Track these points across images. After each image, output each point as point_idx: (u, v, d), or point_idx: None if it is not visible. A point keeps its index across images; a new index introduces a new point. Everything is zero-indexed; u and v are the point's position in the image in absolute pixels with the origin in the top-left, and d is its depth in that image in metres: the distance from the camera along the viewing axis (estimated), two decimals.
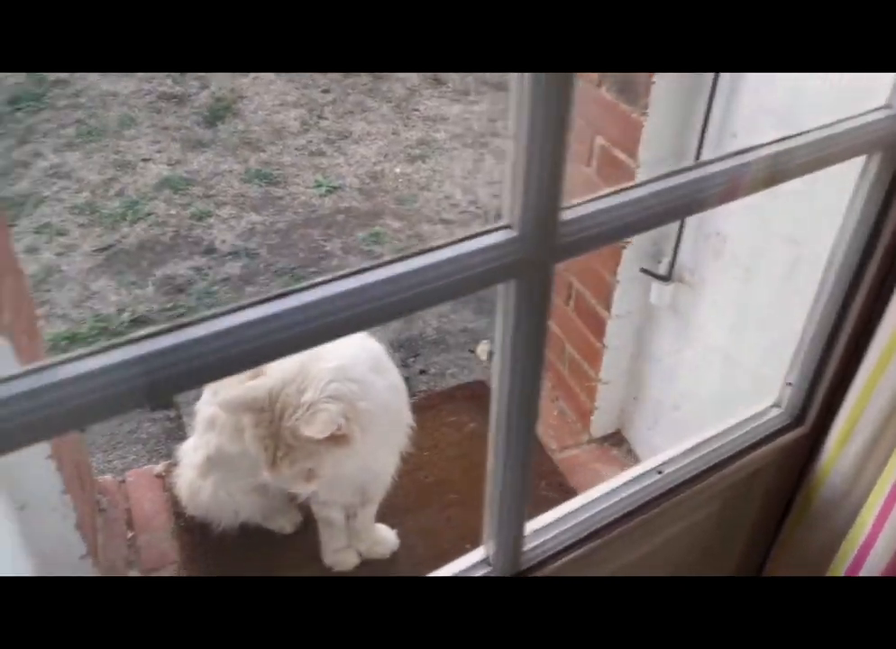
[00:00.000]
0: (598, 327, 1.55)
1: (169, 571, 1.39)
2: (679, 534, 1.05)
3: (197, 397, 1.39)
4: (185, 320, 0.51)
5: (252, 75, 4.25)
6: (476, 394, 1.83)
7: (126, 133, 3.63)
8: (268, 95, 4.17)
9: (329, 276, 0.56)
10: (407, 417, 1.31)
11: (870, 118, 0.75)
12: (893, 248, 0.87)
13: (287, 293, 0.54)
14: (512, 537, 0.83)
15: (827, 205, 1.03)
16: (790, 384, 1.03)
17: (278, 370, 1.11)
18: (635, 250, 1.41)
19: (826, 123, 0.72)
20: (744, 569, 1.20)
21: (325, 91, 4.28)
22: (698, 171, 0.66)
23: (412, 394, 2.09)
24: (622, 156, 1.33)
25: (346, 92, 4.30)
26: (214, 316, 0.51)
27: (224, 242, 3.07)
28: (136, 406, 0.52)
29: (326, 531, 1.38)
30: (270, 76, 4.26)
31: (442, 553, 1.41)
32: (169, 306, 2.68)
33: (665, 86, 1.22)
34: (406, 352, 2.66)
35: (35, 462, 1.16)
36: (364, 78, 4.39)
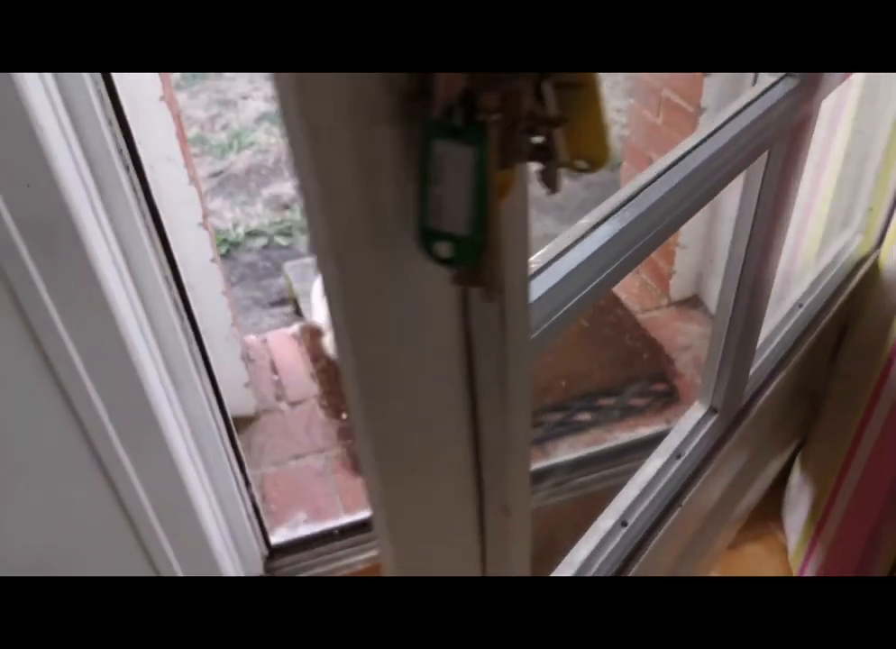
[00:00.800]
0: None
1: (311, 404, 1.66)
2: None
3: None
4: None
5: None
6: None
7: (225, 75, 3.90)
8: None
9: None
10: None
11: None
12: None
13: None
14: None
15: None
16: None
17: None
18: (709, 116, 1.57)
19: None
20: None
21: None
22: None
23: None
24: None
25: None
26: None
27: None
28: None
29: None
30: None
31: (541, 391, 1.64)
32: (277, 220, 2.96)
33: None
34: None
35: (213, 296, 1.43)
36: None
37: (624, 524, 1.04)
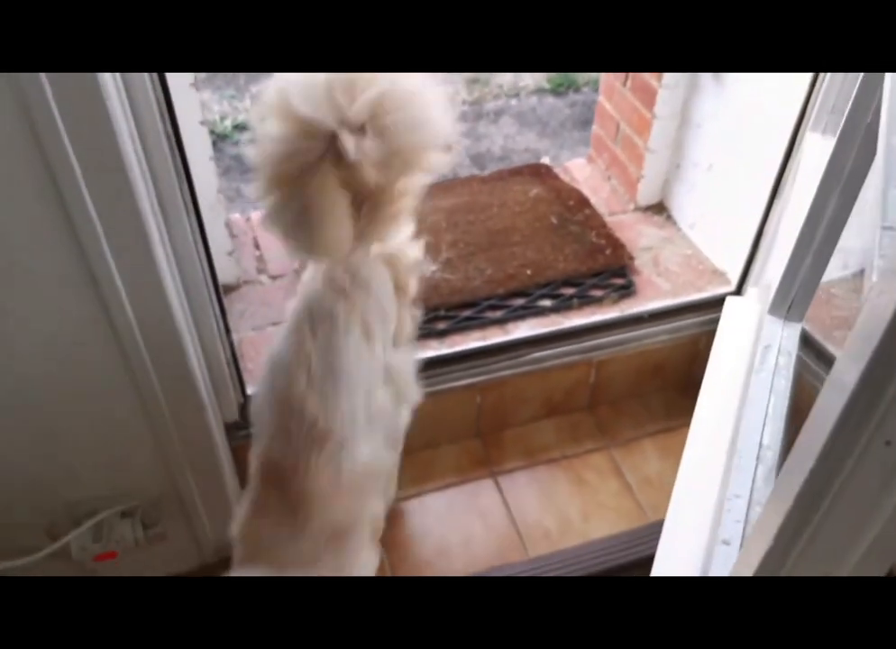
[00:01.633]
0: (651, 99, 1.80)
1: (290, 278, 1.76)
2: None
3: None
4: None
5: None
6: (539, 171, 2.12)
7: None
8: None
9: None
10: None
11: None
12: None
13: None
14: None
15: None
16: None
17: None
18: None
19: None
20: None
21: None
22: None
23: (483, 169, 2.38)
24: None
25: None
26: None
27: None
28: None
29: None
30: None
31: (507, 277, 1.76)
32: None
33: None
34: (475, 166, 2.94)
35: (201, 161, 1.51)
36: None
37: None
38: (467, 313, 1.68)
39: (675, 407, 1.70)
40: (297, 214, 0.94)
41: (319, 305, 1.02)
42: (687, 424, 1.69)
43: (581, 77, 3.43)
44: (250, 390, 1.48)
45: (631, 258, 1.82)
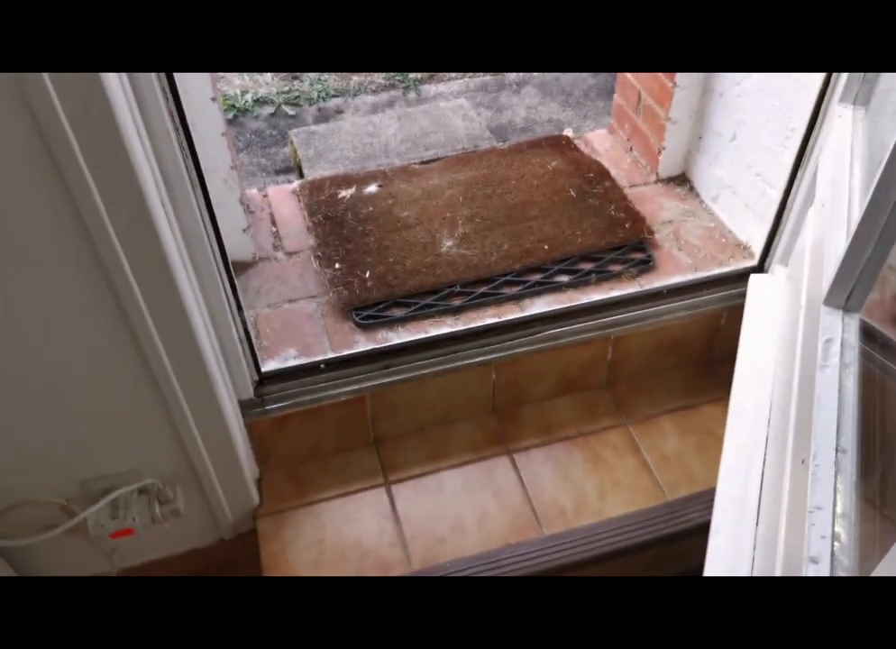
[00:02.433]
0: None
1: (305, 255, 1.75)
2: None
3: None
4: None
5: None
6: (558, 143, 2.08)
7: None
8: None
9: None
10: None
11: None
12: None
13: None
14: None
15: None
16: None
17: None
18: None
19: None
20: None
21: None
22: None
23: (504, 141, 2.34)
24: None
25: None
26: None
27: None
28: None
29: None
30: None
31: (524, 252, 1.73)
32: (285, 89, 2.97)
33: None
34: (496, 138, 2.89)
35: (212, 136, 1.50)
36: None
37: None
38: (483, 289, 1.66)
39: (694, 385, 1.67)
40: None
41: None
42: (706, 401, 1.67)
43: None
44: (265, 367, 1.49)
45: (651, 232, 1.79)
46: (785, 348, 1.41)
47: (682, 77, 1.74)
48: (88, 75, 0.83)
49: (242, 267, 1.71)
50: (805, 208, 1.47)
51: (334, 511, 1.49)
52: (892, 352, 1.35)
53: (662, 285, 1.65)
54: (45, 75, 0.81)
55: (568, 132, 2.94)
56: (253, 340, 1.44)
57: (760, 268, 1.64)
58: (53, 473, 1.18)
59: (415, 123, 2.61)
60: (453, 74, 3.13)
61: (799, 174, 1.46)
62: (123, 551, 1.37)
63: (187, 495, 1.32)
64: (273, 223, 1.85)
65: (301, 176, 2.51)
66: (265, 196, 1.93)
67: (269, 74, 3.01)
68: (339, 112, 2.89)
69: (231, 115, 2.79)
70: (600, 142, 2.12)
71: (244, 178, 2.47)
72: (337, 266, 1.70)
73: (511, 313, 1.62)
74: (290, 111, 2.85)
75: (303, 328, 1.60)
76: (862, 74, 1.27)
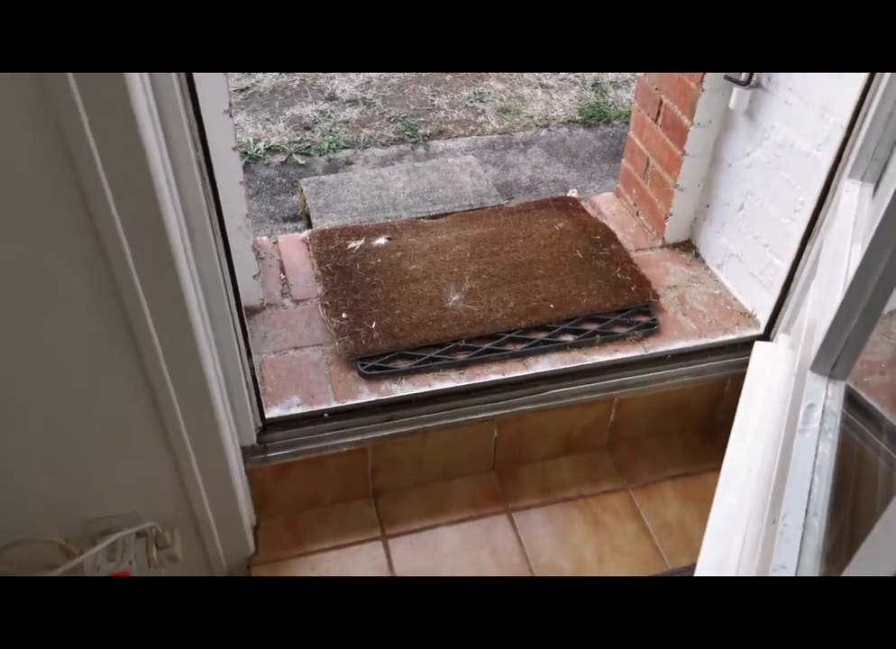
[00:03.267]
0: (682, 136, 1.79)
1: (313, 303, 1.76)
2: None
3: None
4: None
5: None
6: (566, 204, 2.12)
7: None
8: None
9: None
10: None
11: None
12: None
13: None
14: None
15: None
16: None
17: None
18: None
19: None
20: None
21: None
22: None
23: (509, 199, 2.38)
24: None
25: None
26: None
27: (344, 91, 3.37)
28: None
29: None
30: None
31: (530, 310, 1.75)
32: (297, 139, 3.02)
33: None
34: (502, 195, 2.95)
35: (231, 185, 1.52)
36: None
37: None
38: (487, 345, 1.67)
39: (697, 451, 1.67)
40: None
41: None
42: (709, 469, 1.66)
43: (613, 109, 3.44)
44: (268, 414, 1.48)
45: (657, 296, 1.81)
46: (774, 412, 1.42)
47: (692, 146, 1.78)
48: (127, 122, 0.85)
49: (250, 312, 1.71)
50: (810, 280, 1.50)
51: (330, 563, 1.47)
52: (874, 421, 1.37)
53: (666, 349, 1.66)
54: (86, 126, 0.83)
55: (573, 193, 3.00)
56: (258, 381, 1.44)
57: (766, 336, 1.66)
58: (56, 512, 1.16)
59: (423, 178, 2.65)
60: (461, 131, 3.20)
61: (807, 247, 1.49)
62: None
63: (184, 540, 1.30)
64: (282, 270, 1.86)
65: (309, 224, 2.54)
66: (275, 243, 1.95)
67: (282, 124, 3.08)
68: (348, 163, 2.94)
69: (242, 162, 2.83)
70: (607, 205, 2.16)
71: (253, 224, 2.50)
72: (344, 315, 1.71)
73: (515, 370, 1.62)
74: (301, 160, 2.90)
75: (307, 376, 1.60)
76: (871, 151, 1.31)
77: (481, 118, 3.26)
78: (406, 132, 3.12)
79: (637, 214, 2.09)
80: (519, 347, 1.67)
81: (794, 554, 1.02)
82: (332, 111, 3.21)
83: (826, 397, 1.28)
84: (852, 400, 1.40)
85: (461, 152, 3.08)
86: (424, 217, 2.12)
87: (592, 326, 1.73)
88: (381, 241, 1.94)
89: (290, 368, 1.62)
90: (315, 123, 3.11)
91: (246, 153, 2.89)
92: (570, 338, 1.70)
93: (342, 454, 1.49)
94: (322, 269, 1.84)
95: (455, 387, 1.56)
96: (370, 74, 3.45)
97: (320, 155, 2.93)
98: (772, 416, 1.45)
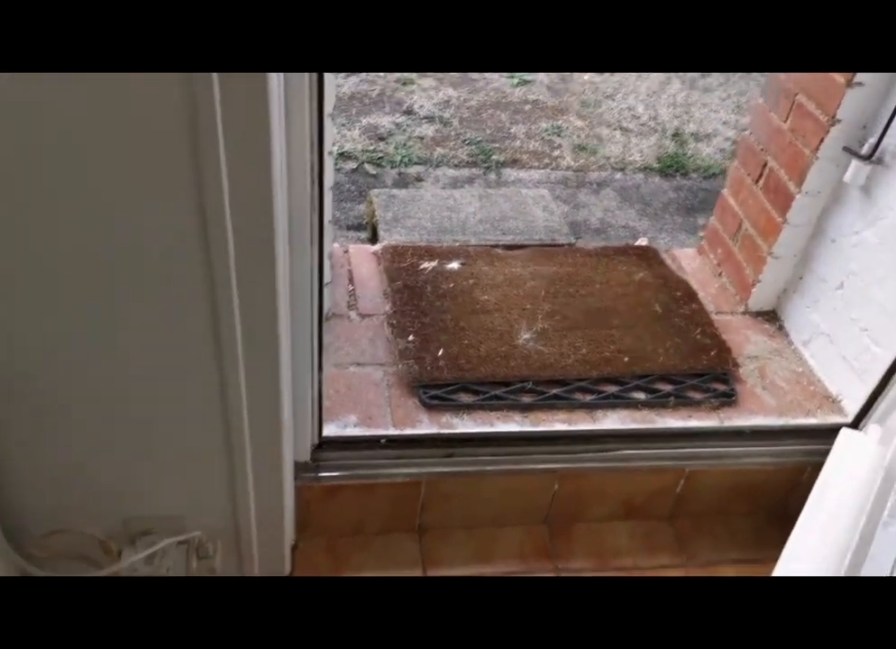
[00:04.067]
0: (785, 203, 1.71)
1: (379, 320, 1.69)
2: None
3: None
4: None
5: None
6: (646, 254, 2.04)
7: None
8: None
9: None
10: None
11: None
12: None
13: None
14: None
15: None
16: None
17: None
18: (841, 129, 1.56)
19: None
20: None
21: None
22: None
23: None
24: None
25: None
26: None
27: (422, 107, 3.34)
28: None
29: None
30: None
31: (603, 360, 1.66)
32: (370, 148, 2.98)
33: None
34: (571, 234, 2.88)
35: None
36: None
37: None
38: (555, 390, 1.59)
39: (764, 537, 1.56)
40: None
41: None
42: (774, 558, 1.56)
43: (691, 161, 3.37)
44: (325, 431, 1.40)
45: (736, 364, 1.71)
46: (853, 503, 1.33)
47: (795, 215, 1.70)
48: (260, 119, 0.80)
49: None
50: None
51: None
52: None
53: (744, 423, 1.57)
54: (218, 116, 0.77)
55: (642, 242, 2.92)
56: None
57: (855, 425, 1.56)
58: (100, 503, 1.11)
59: (495, 206, 2.59)
60: (535, 163, 3.15)
61: None
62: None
63: (225, 553, 1.23)
64: (350, 281, 1.80)
65: (374, 235, 2.48)
66: (346, 252, 1.89)
67: (357, 131, 3.04)
68: (419, 179, 2.89)
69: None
70: (688, 261, 2.08)
71: None
72: (411, 338, 1.64)
73: (582, 421, 1.53)
74: (372, 170, 2.86)
75: (367, 395, 1.53)
76: None
77: (557, 152, 3.21)
78: (480, 157, 3.07)
79: (720, 274, 2.00)
80: (588, 397, 1.59)
81: None
82: (408, 125, 3.17)
83: None
84: None
85: (532, 184, 3.02)
86: (498, 246, 2.05)
87: (667, 387, 1.64)
88: (455, 265, 1.87)
89: (350, 384, 1.54)
90: (391, 134, 3.07)
91: None
92: (642, 396, 1.61)
93: (395, 485, 1.42)
94: (392, 286, 1.77)
95: (520, 431, 1.48)
96: (450, 93, 3.42)
97: (392, 167, 2.88)
98: (850, 507, 1.36)
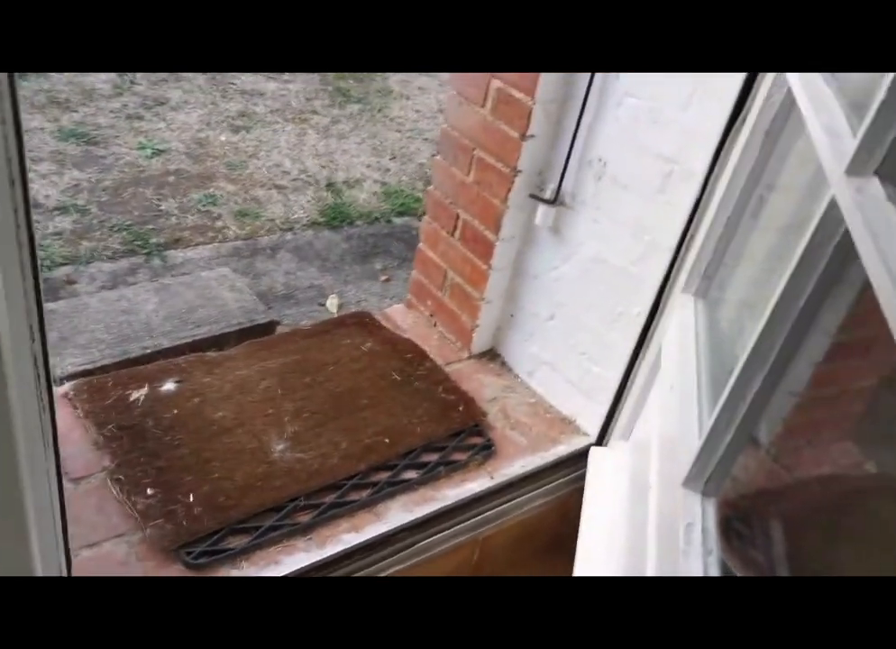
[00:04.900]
0: (486, 251, 1.78)
1: (99, 479, 1.39)
2: None
3: None
4: None
5: None
6: (362, 321, 1.98)
7: None
8: None
9: None
10: None
11: None
12: None
13: None
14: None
15: (697, 127, 1.35)
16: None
17: None
18: (523, 179, 1.66)
19: None
20: None
21: None
22: None
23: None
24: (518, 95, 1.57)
25: None
26: None
27: (48, 196, 2.90)
28: None
29: None
30: None
31: (366, 448, 1.57)
32: None
33: None
34: (260, 304, 2.72)
35: None
36: None
37: None
38: (330, 498, 1.46)
39: (560, 572, 1.61)
40: None
41: None
42: None
43: (353, 209, 3.42)
44: None
45: (483, 413, 1.74)
46: (633, 527, 1.42)
47: (497, 260, 1.78)
48: None
49: None
50: (647, 388, 1.55)
51: None
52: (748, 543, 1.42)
53: (513, 473, 1.59)
54: None
55: (334, 299, 2.88)
56: None
57: (599, 442, 1.67)
58: None
59: (177, 297, 2.33)
60: (200, 239, 2.92)
61: (640, 356, 1.54)
62: None
63: None
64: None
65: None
66: None
67: None
68: (70, 282, 2.48)
69: None
70: (402, 318, 2.08)
71: None
72: (149, 491, 1.37)
73: (367, 522, 1.43)
74: None
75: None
76: (703, 269, 1.39)
77: (219, 223, 3.01)
78: (136, 243, 2.75)
79: (435, 325, 2.03)
80: (364, 493, 1.48)
81: None
82: (37, 221, 2.71)
83: (703, 514, 1.30)
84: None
85: (204, 262, 2.79)
86: (205, 349, 1.84)
87: (432, 456, 1.60)
88: (170, 386, 1.62)
89: (89, 574, 1.23)
90: None
91: None
92: (414, 474, 1.55)
93: None
94: (103, 433, 1.47)
95: (309, 565, 1.32)
96: (76, 176, 3.01)
97: None
98: (627, 530, 1.44)
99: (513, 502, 1.54)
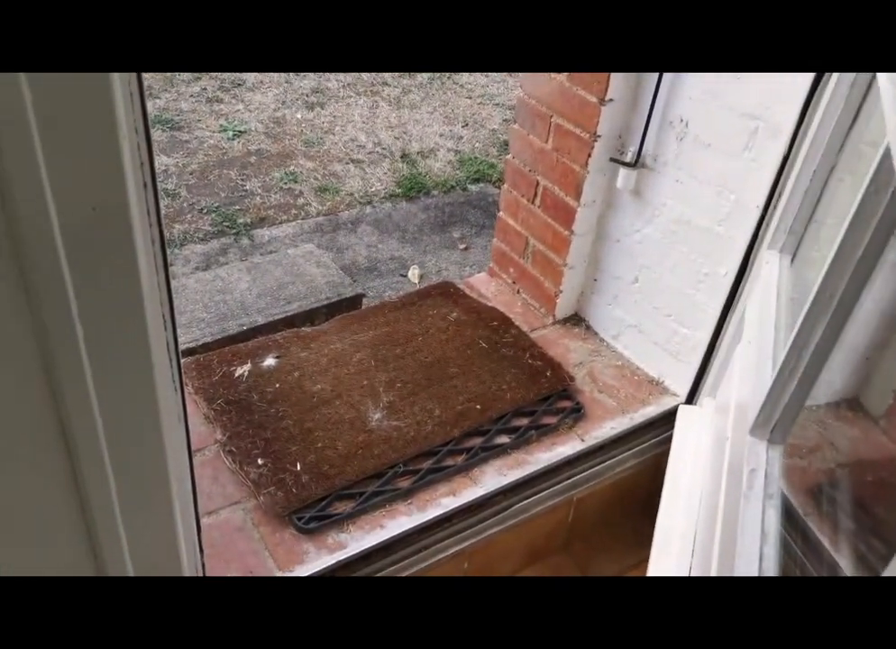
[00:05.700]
0: (568, 217, 1.79)
1: (213, 452, 1.49)
2: None
3: None
4: None
5: None
6: (447, 291, 2.03)
7: None
8: None
9: None
10: None
11: None
12: None
13: None
14: None
15: (782, 82, 1.32)
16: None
17: None
18: (603, 143, 1.66)
19: None
20: None
21: None
22: None
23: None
24: None
25: None
26: None
27: None
28: None
29: None
30: None
31: (458, 415, 1.62)
32: None
33: None
34: (346, 276, 2.80)
35: None
36: None
37: None
38: (427, 463, 1.52)
39: (643, 533, 1.63)
40: None
41: None
42: None
43: (428, 179, 3.44)
44: None
45: (571, 377, 1.77)
46: (711, 477, 1.43)
47: (578, 226, 1.79)
48: None
49: None
50: (733, 346, 1.54)
51: None
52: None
53: (602, 435, 1.62)
54: None
55: (415, 270, 2.93)
56: None
57: (689, 402, 1.68)
58: None
59: (267, 275, 2.43)
60: (284, 216, 3.01)
61: (729, 315, 1.53)
62: None
63: None
64: None
65: None
66: None
67: None
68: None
69: None
70: (485, 287, 2.11)
71: None
72: (260, 462, 1.46)
73: (465, 487, 1.48)
74: None
75: (236, 545, 1.34)
76: (789, 225, 1.37)
77: (301, 200, 3.10)
78: (225, 224, 2.86)
79: (519, 292, 2.06)
80: (459, 459, 1.54)
81: None
82: None
83: (767, 462, 1.30)
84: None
85: (289, 240, 2.88)
86: (300, 324, 1.92)
87: (523, 421, 1.64)
88: (270, 361, 1.71)
89: (211, 541, 1.34)
90: None
91: None
92: (506, 439, 1.60)
93: None
94: (213, 407, 1.57)
95: (412, 527, 1.39)
96: (164, 162, 3.14)
97: None
98: (707, 482, 1.46)
99: (605, 464, 1.57)
